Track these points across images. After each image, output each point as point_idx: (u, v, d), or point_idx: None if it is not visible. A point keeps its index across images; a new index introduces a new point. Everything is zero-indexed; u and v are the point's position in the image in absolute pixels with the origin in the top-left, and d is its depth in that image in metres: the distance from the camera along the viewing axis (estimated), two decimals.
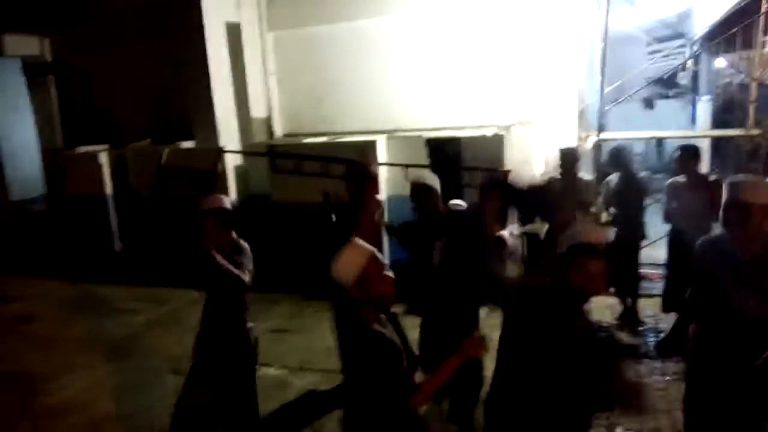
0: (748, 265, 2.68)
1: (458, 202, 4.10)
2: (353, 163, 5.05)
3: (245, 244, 3.57)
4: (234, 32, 7.97)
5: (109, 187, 7.90)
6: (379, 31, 7.82)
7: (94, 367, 5.19)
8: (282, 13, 8.22)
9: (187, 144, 7.95)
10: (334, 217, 4.16)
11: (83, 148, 8.23)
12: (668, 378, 4.51)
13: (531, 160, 7.16)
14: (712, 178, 5.09)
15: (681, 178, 5.08)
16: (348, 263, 2.37)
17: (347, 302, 2.44)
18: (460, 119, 7.47)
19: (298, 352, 5.31)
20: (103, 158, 7.84)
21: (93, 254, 7.87)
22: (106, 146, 8.18)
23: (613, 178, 5.62)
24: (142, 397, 4.61)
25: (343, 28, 7.97)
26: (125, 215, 7.99)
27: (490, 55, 7.36)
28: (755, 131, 6.89)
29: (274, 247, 6.42)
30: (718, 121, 9.95)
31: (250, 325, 3.67)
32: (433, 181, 3.94)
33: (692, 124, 11.25)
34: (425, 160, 6.86)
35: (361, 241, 2.48)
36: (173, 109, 8.04)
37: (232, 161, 7.61)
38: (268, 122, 8.40)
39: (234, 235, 3.57)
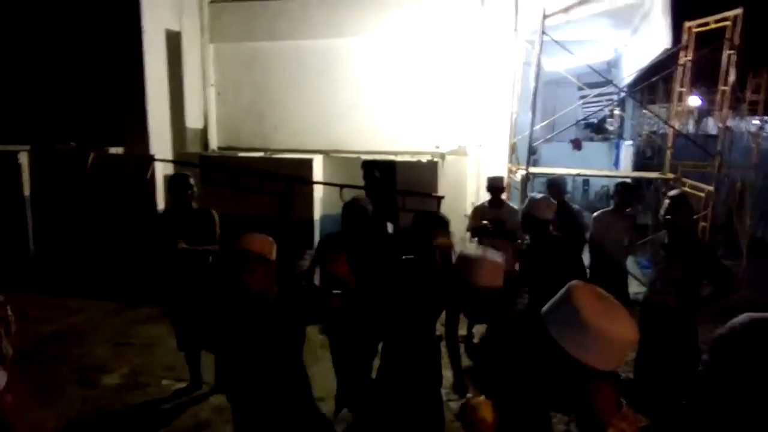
0: None
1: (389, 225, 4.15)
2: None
3: None
4: (174, 41, 7.83)
5: (27, 189, 7.49)
6: (321, 52, 7.89)
7: None
8: (225, 25, 8.17)
9: (116, 150, 7.67)
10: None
11: (2, 147, 7.79)
12: None
13: (463, 188, 7.34)
14: (630, 214, 5.40)
15: (608, 211, 5.36)
16: None
17: None
18: (396, 144, 7.60)
19: None
20: (23, 158, 7.44)
21: (5, 259, 7.41)
22: (27, 146, 7.77)
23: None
24: (47, 407, 4.35)
25: (286, 46, 7.99)
26: (44, 219, 7.58)
27: (428, 85, 7.56)
28: (670, 175, 7.34)
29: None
30: (639, 164, 10.55)
31: None
32: (367, 204, 3.93)
33: (615, 166, 11.86)
34: (360, 182, 6.91)
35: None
36: (104, 114, 7.77)
37: (162, 170, 7.40)
38: (203, 134, 8.25)
39: None
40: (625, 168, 10.69)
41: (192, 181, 4.50)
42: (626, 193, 5.33)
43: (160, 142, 7.67)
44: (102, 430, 4.13)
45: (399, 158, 7.05)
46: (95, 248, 7.18)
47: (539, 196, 3.99)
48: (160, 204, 7.28)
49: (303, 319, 2.82)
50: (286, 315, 2.75)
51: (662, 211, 4.02)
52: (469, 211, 7.05)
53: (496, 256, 2.54)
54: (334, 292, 2.87)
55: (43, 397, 4.50)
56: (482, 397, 1.90)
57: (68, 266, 7.18)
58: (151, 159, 7.22)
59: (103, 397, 4.50)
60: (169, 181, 4.52)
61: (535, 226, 3.87)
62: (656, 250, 4.16)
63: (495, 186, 5.65)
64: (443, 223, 3.06)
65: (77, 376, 4.81)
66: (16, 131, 8.30)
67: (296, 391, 2.84)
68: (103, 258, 7.06)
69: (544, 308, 1.57)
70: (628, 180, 5.73)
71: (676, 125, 7.87)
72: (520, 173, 7.28)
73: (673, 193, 4.10)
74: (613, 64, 10.90)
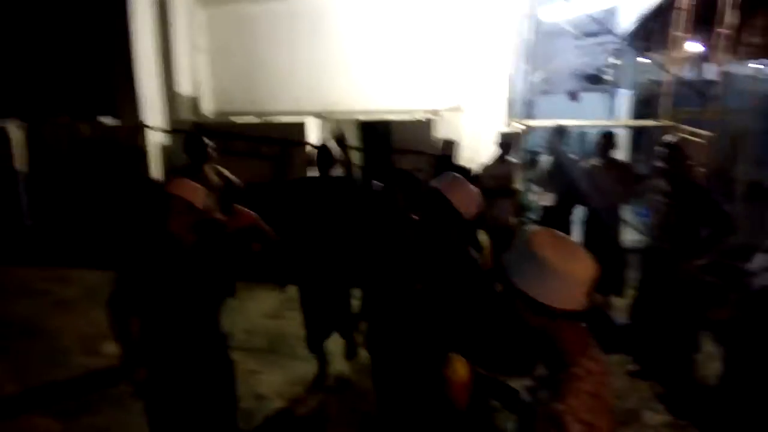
0: None
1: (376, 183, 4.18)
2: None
3: None
4: (162, 5, 7.65)
5: (20, 162, 7.44)
6: (313, 12, 7.71)
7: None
8: None
9: (108, 120, 7.58)
10: None
11: None
12: None
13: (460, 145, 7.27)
14: (624, 162, 5.41)
15: (597, 161, 5.35)
16: None
17: None
18: (391, 103, 7.49)
19: None
20: (18, 132, 7.36)
21: (2, 233, 7.43)
22: (20, 121, 7.68)
23: (545, 160, 5.89)
24: (51, 377, 4.43)
25: (277, 8, 7.81)
26: (39, 192, 7.56)
27: (422, 41, 7.41)
28: (668, 122, 7.26)
29: None
30: (637, 115, 10.43)
31: None
32: (336, 150, 4.17)
33: (613, 116, 11.73)
34: (356, 142, 6.87)
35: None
36: (94, 84, 7.64)
37: (155, 139, 7.34)
38: (195, 100, 8.14)
39: None
40: (622, 117, 10.58)
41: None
42: (607, 141, 5.33)
43: (152, 111, 7.57)
44: (106, 395, 4.21)
45: (393, 117, 6.96)
46: (92, 219, 7.17)
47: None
48: (154, 173, 7.25)
49: (221, 269, 2.85)
50: (203, 263, 2.77)
51: (657, 159, 4.02)
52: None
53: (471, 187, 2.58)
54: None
55: (47, 367, 4.59)
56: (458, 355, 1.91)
57: (66, 238, 7.20)
58: (143, 127, 7.16)
59: (106, 365, 4.58)
60: None
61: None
62: (654, 197, 4.16)
63: (507, 143, 5.68)
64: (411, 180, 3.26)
65: (80, 346, 4.89)
66: (5, 105, 8.20)
67: (212, 348, 2.88)
68: (100, 228, 7.07)
69: (505, 258, 1.57)
70: (610, 130, 5.70)
71: (675, 72, 7.74)
72: (518, 127, 7.22)
73: (666, 139, 4.09)
74: (611, 13, 10.68)
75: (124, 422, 3.45)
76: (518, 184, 5.83)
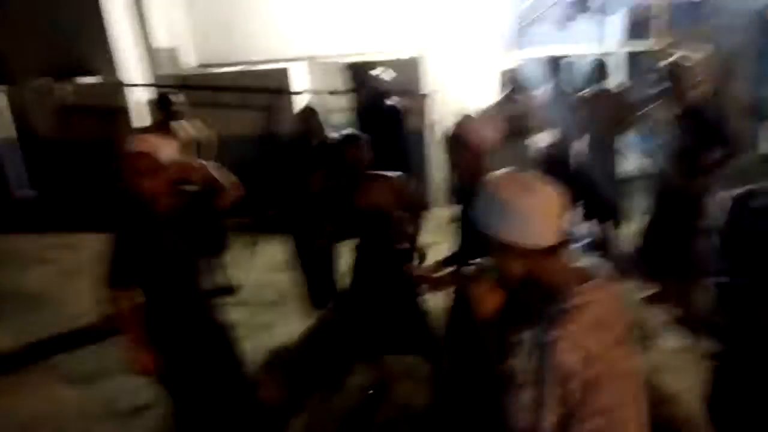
0: None
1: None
2: None
3: None
4: None
5: (7, 129, 7.30)
6: None
7: (8, 319, 4.96)
8: None
9: (90, 79, 7.37)
10: None
11: None
12: None
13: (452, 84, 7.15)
14: (618, 90, 5.30)
15: (591, 91, 5.24)
16: None
17: None
18: (377, 45, 7.29)
19: None
20: (1, 99, 7.18)
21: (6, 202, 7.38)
22: (2, 87, 7.46)
23: (541, 91, 5.76)
24: (64, 346, 4.48)
25: None
26: (28, 159, 7.45)
27: None
28: (662, 43, 7.10)
29: None
30: (630, 38, 10.19)
31: None
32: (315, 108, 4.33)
33: (604, 41, 11.46)
34: (344, 85, 6.74)
35: None
36: (71, 43, 7.37)
37: (136, 97, 7.16)
38: (174, 53, 7.89)
39: None
40: (613, 43, 10.32)
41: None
42: (599, 71, 5.22)
43: (129, 66, 7.35)
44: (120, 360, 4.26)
45: (380, 58, 6.77)
46: (86, 181, 7.09)
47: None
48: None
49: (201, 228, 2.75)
50: (182, 224, 2.64)
51: (661, 81, 3.93)
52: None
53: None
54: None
55: (60, 336, 4.63)
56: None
57: (64, 202, 7.13)
58: (122, 85, 6.98)
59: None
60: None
61: None
62: (658, 121, 4.08)
63: (513, 79, 5.39)
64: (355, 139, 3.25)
65: (91, 312, 4.92)
66: None
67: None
68: (96, 190, 7.00)
69: (473, 209, 1.54)
70: (601, 59, 5.56)
71: None
72: (510, 60, 7.06)
73: (670, 61, 3.98)
74: None
75: (138, 387, 3.50)
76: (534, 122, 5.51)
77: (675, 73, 3.82)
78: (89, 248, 6.33)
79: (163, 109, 4.95)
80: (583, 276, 1.49)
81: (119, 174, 2.49)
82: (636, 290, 4.41)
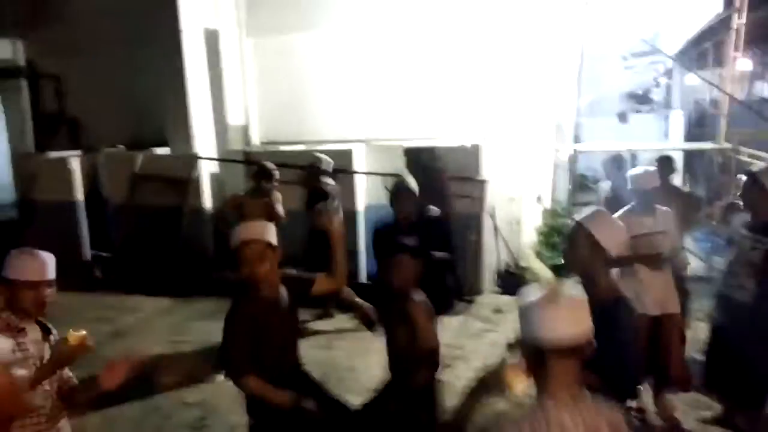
0: None
1: (433, 209, 4.16)
2: None
3: None
4: (212, 38, 7.89)
5: (80, 194, 7.73)
6: (358, 40, 7.81)
7: None
8: (261, 19, 8.16)
9: (162, 150, 7.82)
10: None
11: (55, 154, 8.03)
12: None
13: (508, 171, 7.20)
14: (685, 189, 5.19)
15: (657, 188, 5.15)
16: None
17: None
18: (435, 131, 7.46)
19: None
20: (75, 163, 7.66)
21: (62, 262, 7.67)
22: (78, 152, 8.00)
23: (604, 186, 5.71)
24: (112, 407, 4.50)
25: (322, 36, 7.95)
26: (96, 222, 7.82)
27: (469, 68, 7.36)
28: (726, 144, 7.02)
29: None
30: (690, 136, 10.13)
31: None
32: (412, 185, 4.04)
33: (665, 138, 11.44)
34: (403, 170, 6.85)
35: None
36: (148, 116, 7.91)
37: (207, 169, 7.51)
38: (245, 130, 8.32)
39: None
40: (677, 139, 10.29)
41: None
42: (665, 166, 5.15)
43: (204, 141, 7.78)
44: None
45: (440, 143, 6.93)
46: (147, 248, 7.36)
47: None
48: (207, 202, 7.41)
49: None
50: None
51: (740, 190, 3.81)
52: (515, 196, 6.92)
53: None
54: None
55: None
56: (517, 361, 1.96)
57: (124, 266, 7.38)
58: (196, 158, 7.34)
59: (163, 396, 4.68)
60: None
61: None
62: (732, 228, 3.91)
63: (645, 182, 4.00)
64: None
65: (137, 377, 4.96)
66: (67, 138, 8.56)
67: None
68: (156, 257, 7.24)
69: None
70: (668, 154, 5.50)
71: (730, 90, 7.52)
72: (566, 152, 7.11)
73: (752, 169, 3.86)
74: (658, 35, 10.49)
75: None
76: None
77: (754, 182, 3.68)
78: (145, 310, 6.55)
79: (262, 178, 5.26)
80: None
81: (232, 260, 2.61)
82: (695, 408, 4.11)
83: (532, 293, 1.66)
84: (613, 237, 2.45)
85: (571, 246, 2.56)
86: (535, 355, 1.63)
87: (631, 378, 2.46)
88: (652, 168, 4.04)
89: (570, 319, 1.60)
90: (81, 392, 2.56)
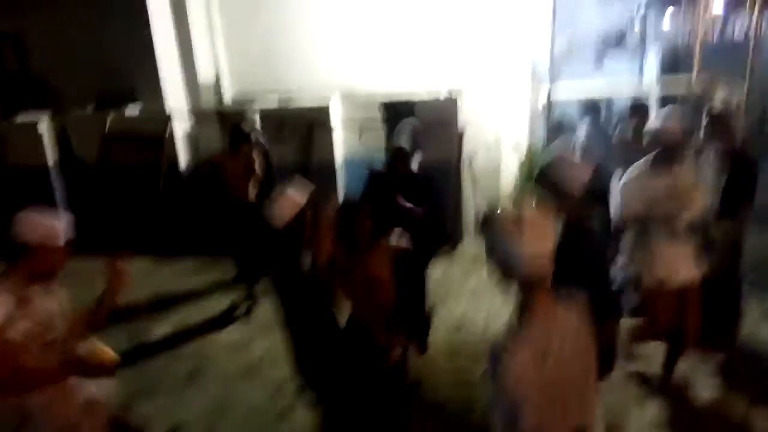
0: None
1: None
2: None
3: None
4: None
5: (51, 158, 7.54)
6: None
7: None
8: None
9: (133, 109, 7.61)
10: None
11: (22, 117, 7.75)
12: None
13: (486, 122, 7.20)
14: None
15: (631, 134, 5.24)
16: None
17: None
18: (411, 81, 7.38)
19: None
20: (44, 127, 7.43)
21: None
22: (46, 114, 7.71)
23: (580, 133, 5.78)
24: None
25: None
26: (71, 187, 7.68)
27: (444, 17, 7.22)
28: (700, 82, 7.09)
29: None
30: (665, 72, 10.15)
31: None
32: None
33: (640, 74, 11.43)
34: (381, 123, 6.82)
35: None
36: (116, 73, 7.65)
37: (180, 127, 7.37)
38: (216, 84, 8.12)
39: None
40: (651, 76, 10.29)
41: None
42: (639, 113, 5.22)
43: (175, 98, 7.60)
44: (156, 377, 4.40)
45: (417, 97, 6.85)
46: (125, 210, 7.29)
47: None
48: (182, 161, 7.32)
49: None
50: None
51: (703, 129, 3.96)
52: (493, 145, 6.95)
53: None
54: None
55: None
56: None
57: (101, 229, 7.31)
58: (168, 118, 7.19)
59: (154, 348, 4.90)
60: None
61: None
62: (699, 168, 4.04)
63: (669, 136, 3.36)
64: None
65: (127, 334, 5.04)
66: (33, 99, 8.26)
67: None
68: (135, 217, 7.19)
69: None
70: (642, 102, 5.54)
71: (702, 33, 7.54)
72: (542, 98, 7.10)
73: (712, 111, 4.02)
74: None
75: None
76: None
77: (718, 124, 3.84)
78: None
79: (241, 142, 5.35)
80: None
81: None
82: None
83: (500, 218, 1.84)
84: (575, 178, 2.75)
85: (539, 187, 2.92)
86: (508, 275, 1.79)
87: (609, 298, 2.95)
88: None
89: (534, 235, 1.75)
90: (96, 312, 2.72)
